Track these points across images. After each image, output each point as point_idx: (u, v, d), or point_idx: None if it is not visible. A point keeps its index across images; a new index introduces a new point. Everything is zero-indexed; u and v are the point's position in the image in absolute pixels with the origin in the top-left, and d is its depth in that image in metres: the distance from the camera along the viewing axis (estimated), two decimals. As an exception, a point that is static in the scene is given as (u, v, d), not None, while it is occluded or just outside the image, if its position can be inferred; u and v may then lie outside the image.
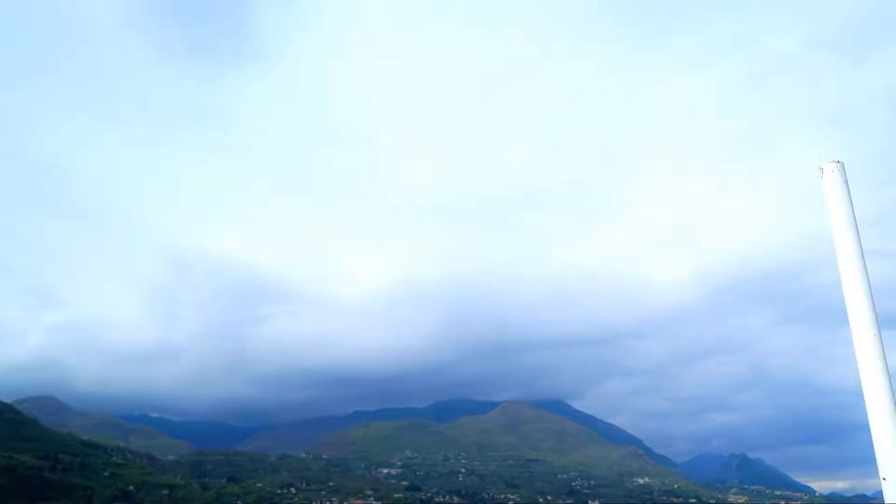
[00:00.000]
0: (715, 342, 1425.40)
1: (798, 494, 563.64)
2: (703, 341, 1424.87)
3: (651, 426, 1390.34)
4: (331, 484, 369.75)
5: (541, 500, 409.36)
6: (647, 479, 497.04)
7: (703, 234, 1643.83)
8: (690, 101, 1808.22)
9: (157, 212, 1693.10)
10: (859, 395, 8.62)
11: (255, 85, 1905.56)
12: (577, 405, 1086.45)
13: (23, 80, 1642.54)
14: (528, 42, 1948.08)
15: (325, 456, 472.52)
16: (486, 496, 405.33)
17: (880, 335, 8.55)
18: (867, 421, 8.50)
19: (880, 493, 8.35)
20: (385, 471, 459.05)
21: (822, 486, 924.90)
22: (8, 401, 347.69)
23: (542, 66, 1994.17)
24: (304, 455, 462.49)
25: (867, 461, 8.32)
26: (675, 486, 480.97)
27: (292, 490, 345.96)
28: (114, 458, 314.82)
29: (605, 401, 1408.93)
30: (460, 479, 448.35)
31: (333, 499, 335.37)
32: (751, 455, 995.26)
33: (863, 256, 8.85)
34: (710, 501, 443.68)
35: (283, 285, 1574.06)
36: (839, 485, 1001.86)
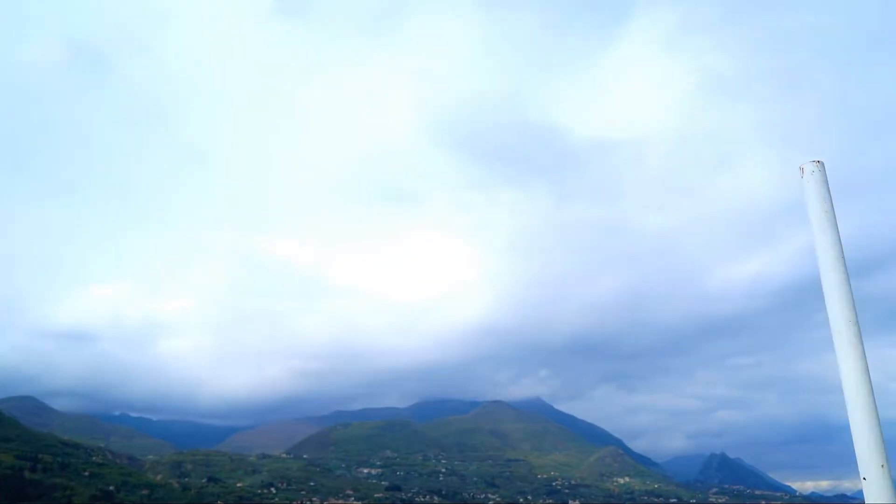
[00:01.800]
0: (743, 342, 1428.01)
1: (778, 494, 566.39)
2: (728, 342, 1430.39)
3: (636, 425, 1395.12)
4: (311, 484, 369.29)
5: (521, 500, 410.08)
6: (627, 480, 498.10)
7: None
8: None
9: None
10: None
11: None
12: (559, 406, 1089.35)
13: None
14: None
15: (305, 456, 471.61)
16: (467, 496, 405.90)
17: (860, 334, 8.57)
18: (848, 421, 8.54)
19: (860, 492, 8.38)
20: (365, 471, 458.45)
21: (802, 486, 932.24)
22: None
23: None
24: (284, 455, 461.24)
25: (850, 461, 8.35)
26: (656, 487, 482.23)
27: (272, 490, 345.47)
28: (94, 458, 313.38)
29: (594, 403, 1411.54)
30: (441, 479, 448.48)
31: (314, 499, 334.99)
32: (731, 455, 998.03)
33: (843, 255, 8.84)
34: (691, 501, 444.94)
35: (289, 288, 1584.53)
36: (824, 484, 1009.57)
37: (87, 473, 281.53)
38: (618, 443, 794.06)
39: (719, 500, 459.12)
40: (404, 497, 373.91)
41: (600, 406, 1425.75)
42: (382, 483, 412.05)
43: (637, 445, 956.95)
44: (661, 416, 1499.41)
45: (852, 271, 8.74)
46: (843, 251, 8.87)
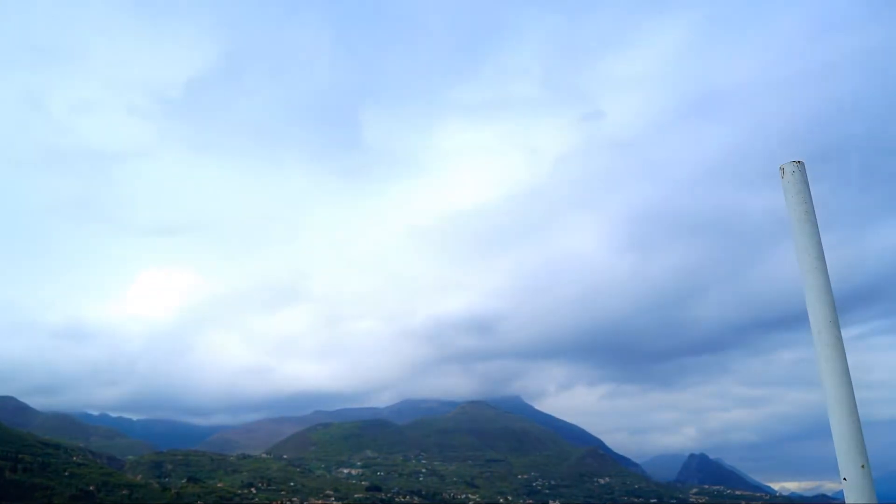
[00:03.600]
0: (759, 344, 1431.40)
1: (759, 495, 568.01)
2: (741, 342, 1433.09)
3: (616, 425, 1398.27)
4: (291, 484, 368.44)
5: (501, 500, 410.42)
6: (607, 480, 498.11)
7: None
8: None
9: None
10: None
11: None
12: (539, 405, 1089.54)
13: None
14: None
15: (285, 456, 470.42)
16: (447, 496, 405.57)
17: (840, 334, 8.60)
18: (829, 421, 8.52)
19: (841, 493, 8.36)
20: (346, 471, 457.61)
21: (784, 487, 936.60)
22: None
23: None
24: (264, 455, 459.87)
25: (832, 462, 8.34)
26: (636, 487, 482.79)
27: (253, 490, 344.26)
28: (74, 459, 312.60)
29: (575, 402, 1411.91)
30: (421, 479, 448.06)
31: (294, 499, 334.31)
32: (711, 456, 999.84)
33: (823, 255, 8.82)
34: (671, 501, 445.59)
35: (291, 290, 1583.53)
36: (811, 484, 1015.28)
37: (67, 473, 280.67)
38: (598, 443, 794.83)
39: (700, 500, 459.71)
40: (384, 497, 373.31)
41: (581, 405, 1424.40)
42: (363, 483, 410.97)
43: (617, 445, 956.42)
44: (647, 417, 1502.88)
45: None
46: (823, 252, 8.86)
